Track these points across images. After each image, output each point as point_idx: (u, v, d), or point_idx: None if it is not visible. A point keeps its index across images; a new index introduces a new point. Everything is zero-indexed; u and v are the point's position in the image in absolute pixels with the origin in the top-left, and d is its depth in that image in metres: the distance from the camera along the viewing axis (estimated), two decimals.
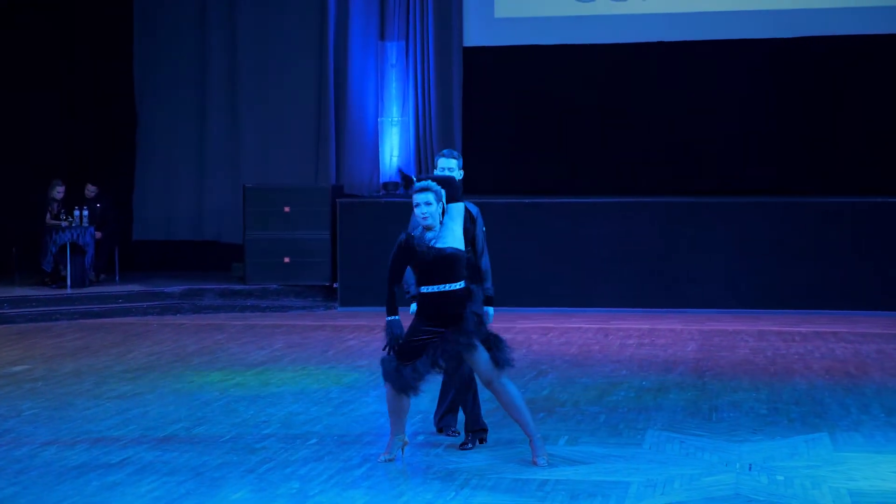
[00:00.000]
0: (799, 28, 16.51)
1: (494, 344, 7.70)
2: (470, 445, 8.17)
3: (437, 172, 8.17)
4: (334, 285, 16.01)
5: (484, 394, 8.24)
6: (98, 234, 16.45)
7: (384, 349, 7.69)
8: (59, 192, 16.28)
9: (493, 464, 7.81)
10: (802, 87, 16.61)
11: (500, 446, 8.20)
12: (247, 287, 16.20)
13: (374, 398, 9.84)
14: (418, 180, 7.70)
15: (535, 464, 7.72)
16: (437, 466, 7.75)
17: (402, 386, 7.66)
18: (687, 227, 15.39)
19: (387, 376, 7.70)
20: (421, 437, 8.48)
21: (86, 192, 16.70)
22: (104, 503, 7.04)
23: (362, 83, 17.27)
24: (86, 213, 16.10)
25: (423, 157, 17.22)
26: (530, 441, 7.81)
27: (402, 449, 7.91)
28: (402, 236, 7.64)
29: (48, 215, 16.19)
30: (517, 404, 7.76)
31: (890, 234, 14.97)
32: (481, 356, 7.68)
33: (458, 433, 8.35)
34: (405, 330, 7.68)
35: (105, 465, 7.84)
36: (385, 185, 17.24)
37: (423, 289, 7.64)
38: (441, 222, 7.65)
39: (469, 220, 8.19)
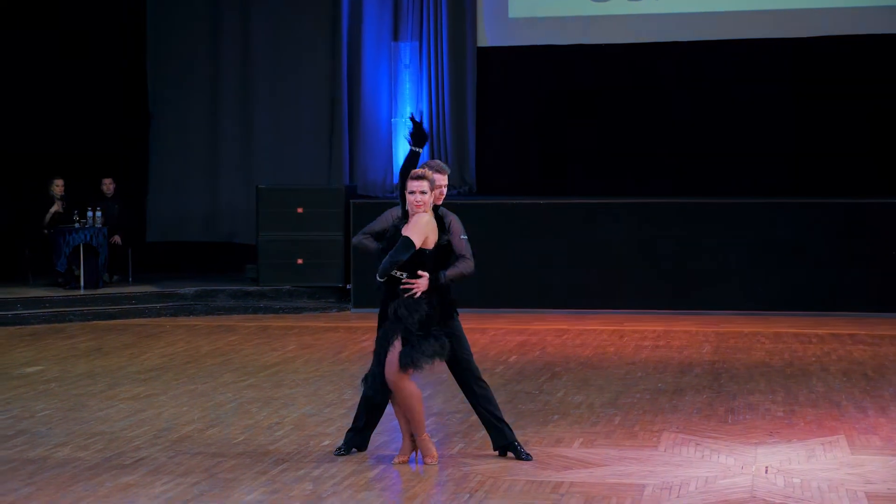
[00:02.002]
0: (819, 27, 16.38)
1: (415, 343, 7.61)
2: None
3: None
4: (347, 286, 15.99)
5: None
6: (118, 240, 16.48)
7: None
8: (57, 185, 16.33)
9: (507, 466, 7.77)
10: (822, 86, 16.47)
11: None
12: (260, 288, 16.18)
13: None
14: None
15: (426, 463, 7.80)
16: (452, 468, 7.72)
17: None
18: (703, 229, 15.32)
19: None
20: (435, 440, 8.43)
21: (104, 188, 16.74)
22: None
23: (376, 84, 17.24)
24: (99, 213, 16.11)
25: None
26: (415, 439, 7.85)
27: (416, 451, 7.88)
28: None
29: (49, 214, 16.23)
30: (411, 405, 7.74)
31: None
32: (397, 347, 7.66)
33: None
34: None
35: (119, 466, 7.82)
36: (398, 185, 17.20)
37: None
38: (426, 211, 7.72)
39: (440, 230, 7.89)
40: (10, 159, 17.22)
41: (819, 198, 15.56)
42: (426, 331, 7.64)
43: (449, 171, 8.15)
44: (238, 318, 15.21)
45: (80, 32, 17.64)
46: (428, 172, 7.79)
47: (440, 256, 7.79)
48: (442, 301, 7.82)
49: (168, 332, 13.93)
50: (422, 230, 7.67)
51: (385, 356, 7.67)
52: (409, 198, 7.71)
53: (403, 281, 7.64)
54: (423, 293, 7.66)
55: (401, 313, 7.63)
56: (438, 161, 8.17)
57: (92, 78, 17.77)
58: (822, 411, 9.45)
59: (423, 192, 7.70)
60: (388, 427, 8.40)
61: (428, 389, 9.71)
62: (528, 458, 7.91)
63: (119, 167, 17.64)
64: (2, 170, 17.24)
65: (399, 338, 7.63)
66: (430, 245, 7.72)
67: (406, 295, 7.63)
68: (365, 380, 7.86)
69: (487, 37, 17.29)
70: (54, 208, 16.37)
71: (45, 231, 16.15)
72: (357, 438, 8.14)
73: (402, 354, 7.60)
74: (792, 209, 15.25)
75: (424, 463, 7.80)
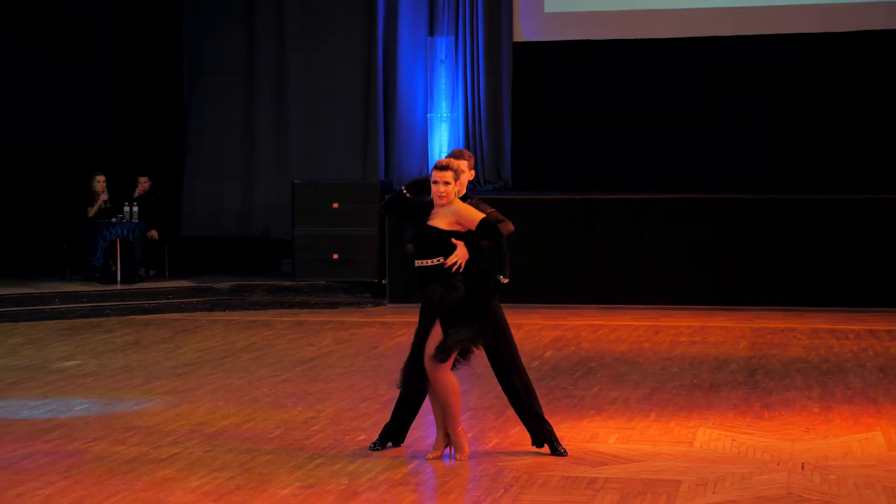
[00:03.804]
0: (853, 21, 16.24)
1: (451, 335, 7.56)
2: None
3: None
4: (383, 281, 16.01)
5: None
6: (155, 235, 16.57)
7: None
8: (98, 181, 16.44)
9: (541, 461, 7.76)
10: (859, 80, 16.30)
11: None
12: (295, 283, 16.23)
13: None
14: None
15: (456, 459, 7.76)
16: (486, 464, 7.72)
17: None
18: (739, 224, 15.26)
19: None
20: (469, 435, 8.43)
21: (140, 184, 16.84)
22: (154, 498, 7.06)
23: (411, 79, 17.25)
24: (135, 209, 16.21)
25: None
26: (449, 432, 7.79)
27: (450, 447, 7.87)
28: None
29: (92, 208, 16.36)
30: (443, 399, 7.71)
31: None
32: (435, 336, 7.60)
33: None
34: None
35: (155, 461, 7.86)
36: None
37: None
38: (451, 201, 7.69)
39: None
40: (46, 158, 17.33)
41: (858, 194, 15.44)
42: (462, 315, 7.57)
43: (472, 160, 8.10)
44: (273, 312, 15.26)
45: (115, 30, 17.69)
46: (453, 162, 7.74)
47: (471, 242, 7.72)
48: (483, 279, 7.76)
49: (204, 327, 13.99)
50: (471, 211, 7.64)
51: (422, 346, 7.63)
52: (433, 188, 7.69)
53: (445, 263, 7.56)
54: (459, 275, 7.58)
55: (437, 296, 7.56)
56: (461, 148, 8.18)
57: (127, 74, 17.86)
58: (859, 407, 9.40)
59: (446, 183, 7.66)
60: (423, 422, 8.40)
61: (464, 384, 9.68)
62: (563, 453, 7.90)
63: (155, 162, 17.72)
64: (37, 168, 17.34)
65: (438, 326, 7.59)
66: (463, 229, 7.67)
67: (446, 267, 7.55)
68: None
69: (523, 31, 17.26)
70: (98, 203, 16.45)
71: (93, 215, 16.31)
72: (393, 433, 8.15)
73: (437, 347, 7.55)
74: (829, 205, 15.16)
75: (455, 458, 7.80)
